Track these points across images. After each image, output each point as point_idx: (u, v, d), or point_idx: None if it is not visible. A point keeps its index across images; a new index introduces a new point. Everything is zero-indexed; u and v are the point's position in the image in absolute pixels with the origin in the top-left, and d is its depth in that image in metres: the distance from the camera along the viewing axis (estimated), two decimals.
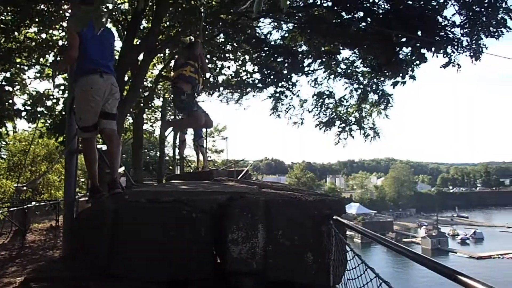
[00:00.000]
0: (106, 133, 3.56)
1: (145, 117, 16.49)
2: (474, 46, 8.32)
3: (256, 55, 10.85)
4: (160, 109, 16.25)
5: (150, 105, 14.29)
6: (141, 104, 11.67)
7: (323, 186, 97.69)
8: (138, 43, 9.21)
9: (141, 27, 10.46)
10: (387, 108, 11.78)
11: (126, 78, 9.35)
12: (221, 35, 11.02)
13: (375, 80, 11.24)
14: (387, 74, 9.44)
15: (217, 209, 2.84)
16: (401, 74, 8.88)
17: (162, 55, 13.26)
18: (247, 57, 11.54)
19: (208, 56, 11.43)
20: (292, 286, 2.78)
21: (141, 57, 9.38)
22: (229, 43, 11.13)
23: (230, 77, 12.15)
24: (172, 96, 4.94)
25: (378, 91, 11.48)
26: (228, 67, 12.06)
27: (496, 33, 8.11)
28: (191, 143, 13.78)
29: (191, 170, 14.30)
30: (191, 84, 4.72)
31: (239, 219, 2.72)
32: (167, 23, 10.69)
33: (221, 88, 12.65)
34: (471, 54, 8.36)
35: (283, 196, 3.12)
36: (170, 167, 16.91)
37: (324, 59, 11.00)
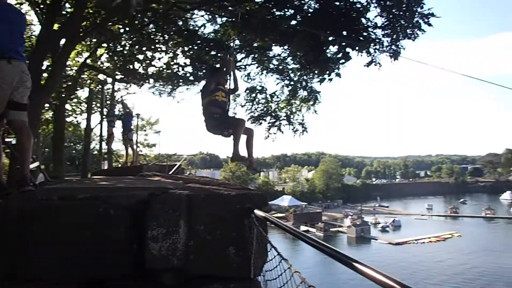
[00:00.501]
0: (15, 125, 3.27)
1: (69, 108, 15.45)
2: (393, 47, 8.98)
3: (188, 47, 10.65)
4: (85, 100, 15.33)
5: (73, 96, 13.38)
6: (63, 95, 10.89)
7: (257, 179, 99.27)
8: (58, 28, 8.56)
9: (64, 12, 9.72)
10: (315, 104, 12.29)
11: (45, 66, 8.65)
12: (152, 25, 10.64)
13: (304, 77, 11.65)
14: (315, 71, 9.83)
15: (137, 205, 2.76)
16: (327, 72, 9.31)
17: (88, 42, 12.48)
18: (179, 49, 11.29)
19: (137, 46, 11.00)
20: (214, 280, 2.81)
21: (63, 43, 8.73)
22: (160, 34, 10.80)
23: (161, 69, 11.80)
24: (205, 120, 4.73)
25: (307, 88, 11.91)
26: (159, 59, 11.72)
27: (413, 35, 8.83)
28: (120, 136, 13.18)
29: (120, 165, 13.71)
30: (221, 108, 4.74)
31: (159, 215, 2.68)
32: (92, 9, 10.06)
33: (152, 80, 12.25)
34: (391, 54, 9.02)
35: (207, 190, 3.13)
36: (100, 161, 16.05)
37: (256, 55, 11.14)
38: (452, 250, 49.18)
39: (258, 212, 2.72)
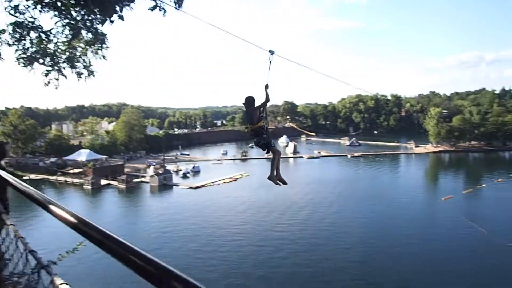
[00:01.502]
0: None
1: None
2: None
3: None
4: None
5: None
6: None
7: (47, 133, 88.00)
8: None
9: None
10: (102, 48, 11.58)
11: None
12: None
13: (87, 16, 10.72)
14: (96, 11, 9.19)
15: None
16: (109, 12, 8.84)
17: None
18: None
19: None
20: None
21: None
22: None
23: None
24: (255, 139, 6.45)
25: (91, 29, 11.04)
26: None
27: None
28: None
29: None
30: (264, 129, 6.33)
31: None
32: None
33: None
34: (175, 1, 9.23)
35: None
36: None
37: None
38: (241, 187, 57.22)
39: None
